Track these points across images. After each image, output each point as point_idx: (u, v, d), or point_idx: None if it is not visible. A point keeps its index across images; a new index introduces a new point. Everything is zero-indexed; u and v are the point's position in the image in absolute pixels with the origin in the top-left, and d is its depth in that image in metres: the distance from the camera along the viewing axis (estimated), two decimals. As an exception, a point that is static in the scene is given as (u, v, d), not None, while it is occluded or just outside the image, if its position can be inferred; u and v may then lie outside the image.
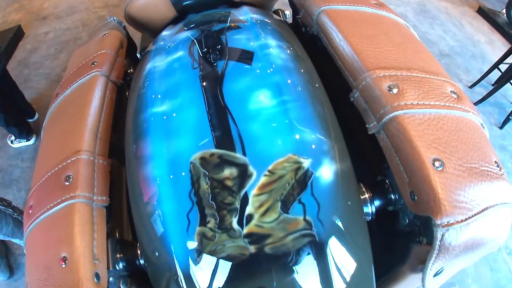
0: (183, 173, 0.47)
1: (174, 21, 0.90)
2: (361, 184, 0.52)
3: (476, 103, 2.32)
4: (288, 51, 0.61)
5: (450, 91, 0.48)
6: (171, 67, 0.60)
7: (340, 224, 0.46)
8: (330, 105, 0.57)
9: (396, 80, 0.47)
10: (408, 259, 0.47)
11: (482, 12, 3.36)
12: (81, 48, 0.81)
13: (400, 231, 0.51)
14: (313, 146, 0.49)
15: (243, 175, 0.46)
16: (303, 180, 0.46)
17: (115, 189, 0.56)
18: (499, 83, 2.17)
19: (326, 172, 0.47)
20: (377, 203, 0.51)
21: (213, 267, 0.43)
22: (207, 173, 0.46)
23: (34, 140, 2.06)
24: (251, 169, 0.46)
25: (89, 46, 0.77)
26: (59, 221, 0.45)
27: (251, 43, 0.61)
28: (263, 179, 0.45)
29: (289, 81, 0.54)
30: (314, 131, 0.50)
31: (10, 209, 1.41)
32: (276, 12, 1.11)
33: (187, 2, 0.85)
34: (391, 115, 0.44)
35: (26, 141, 2.03)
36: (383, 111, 0.45)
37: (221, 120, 0.50)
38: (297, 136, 0.49)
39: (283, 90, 0.53)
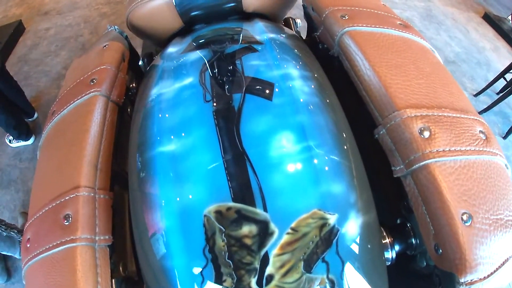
0: (196, 227, 0.43)
1: (180, 32, 0.85)
2: (382, 228, 0.50)
3: (480, 112, 2.30)
4: (312, 83, 0.55)
5: (479, 131, 0.46)
6: (180, 96, 0.54)
7: (363, 278, 0.43)
8: (356, 146, 0.52)
9: (427, 121, 0.44)
10: None
11: (488, 18, 3.34)
12: (79, 59, 0.76)
13: (415, 270, 0.49)
14: (340, 199, 0.45)
15: (264, 233, 0.41)
16: (328, 238, 0.42)
17: (117, 219, 0.53)
18: (504, 93, 2.15)
19: (352, 227, 0.44)
20: (397, 247, 0.49)
21: None
22: (224, 229, 0.42)
23: (33, 140, 2.03)
24: (272, 226, 0.41)
25: (88, 58, 0.72)
26: (60, 265, 0.42)
27: (270, 72, 0.55)
28: (285, 238, 0.41)
29: (314, 122, 0.49)
30: (341, 182, 0.46)
31: (2, 227, 1.39)
32: (287, 20, 1.07)
33: (195, 13, 0.79)
34: (421, 163, 0.42)
35: (25, 141, 2.00)
36: (413, 158, 0.43)
37: (239, 169, 0.44)
38: (323, 189, 0.44)
39: (307, 133, 0.47)
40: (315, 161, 0.45)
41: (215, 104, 0.51)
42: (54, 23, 2.98)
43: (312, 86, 0.54)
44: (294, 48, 0.64)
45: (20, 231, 1.50)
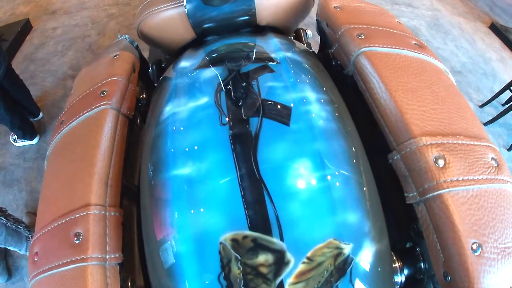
0: (212, 254, 0.43)
1: (193, 43, 0.85)
2: (393, 253, 0.50)
3: (485, 124, 2.29)
4: (329, 107, 0.55)
5: (491, 158, 0.47)
6: (196, 117, 0.53)
7: None
8: (371, 173, 0.52)
9: (442, 150, 0.45)
10: None
11: (495, 29, 3.33)
12: (88, 67, 0.75)
13: None
14: (355, 228, 0.45)
15: (280, 262, 0.41)
16: (343, 267, 0.43)
17: (125, 234, 0.52)
18: (510, 105, 2.14)
19: (366, 256, 0.44)
20: (406, 271, 0.50)
21: None
22: (239, 257, 0.42)
23: (37, 140, 2.03)
24: (288, 256, 0.42)
25: (98, 68, 0.71)
26: (70, 284, 0.42)
27: (287, 94, 0.54)
28: (301, 267, 0.41)
29: (331, 150, 0.49)
30: (357, 211, 0.46)
31: (3, 219, 1.39)
32: (297, 31, 1.07)
33: (208, 25, 0.79)
34: (435, 193, 0.42)
35: (29, 140, 2.00)
36: (428, 186, 0.43)
37: (256, 197, 0.44)
38: (339, 218, 0.44)
39: (325, 162, 0.47)
40: (332, 190, 0.45)
41: (231, 128, 0.50)
42: (62, 22, 2.99)
43: (329, 111, 0.54)
44: (309, 67, 0.63)
45: (27, 227, 1.51)
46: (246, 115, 0.51)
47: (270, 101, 0.52)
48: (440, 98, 0.52)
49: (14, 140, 2.02)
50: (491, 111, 2.39)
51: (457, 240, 0.40)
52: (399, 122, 0.48)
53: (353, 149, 0.52)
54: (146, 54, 1.09)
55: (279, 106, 0.52)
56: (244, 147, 0.47)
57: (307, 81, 0.58)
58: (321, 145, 0.48)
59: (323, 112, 0.53)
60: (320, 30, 0.81)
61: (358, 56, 0.58)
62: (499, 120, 2.26)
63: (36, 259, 0.47)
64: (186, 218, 0.45)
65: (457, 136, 0.47)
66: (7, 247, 1.47)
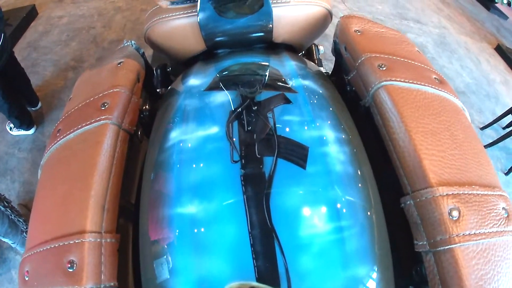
0: None
1: (203, 55, 0.82)
2: None
3: (486, 146, 2.29)
4: (346, 148, 0.52)
5: (502, 208, 0.46)
6: (204, 149, 0.50)
7: None
8: (384, 220, 0.51)
9: (458, 201, 0.44)
10: None
11: (500, 50, 3.35)
12: (91, 72, 0.72)
13: None
14: (365, 282, 0.44)
15: None
16: None
17: (120, 258, 0.50)
18: (510, 131, 2.15)
19: None
20: None
21: None
22: None
23: (34, 130, 2.01)
24: None
25: (101, 75, 0.67)
26: None
27: (305, 131, 0.51)
28: None
29: (347, 199, 0.47)
30: (367, 265, 0.45)
31: (9, 210, 1.38)
32: (309, 47, 1.05)
33: (220, 39, 0.76)
34: (447, 247, 0.42)
35: (26, 130, 1.98)
36: (440, 239, 0.42)
37: (266, 247, 0.42)
38: (350, 273, 0.43)
39: (340, 212, 0.45)
40: (346, 243, 0.44)
41: (243, 166, 0.47)
42: (68, 11, 2.96)
43: (347, 153, 0.52)
44: (327, 99, 0.61)
45: (26, 221, 1.49)
46: (260, 153, 0.48)
47: (286, 138, 0.50)
48: (458, 142, 0.51)
49: (10, 129, 1.99)
50: (491, 134, 2.39)
51: None
52: (417, 168, 0.47)
53: (370, 196, 0.50)
54: (150, 52, 1.04)
55: (295, 146, 0.49)
56: (256, 190, 0.45)
57: (325, 116, 0.56)
58: (337, 194, 0.46)
59: (341, 155, 0.51)
60: (336, 52, 0.77)
61: (378, 89, 0.56)
62: (498, 143, 2.26)
63: (26, 278, 0.45)
64: (189, 262, 0.43)
65: (473, 186, 0.46)
66: (3, 239, 1.45)
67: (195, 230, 0.45)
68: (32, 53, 2.54)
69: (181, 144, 0.53)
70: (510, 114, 2.27)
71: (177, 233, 0.45)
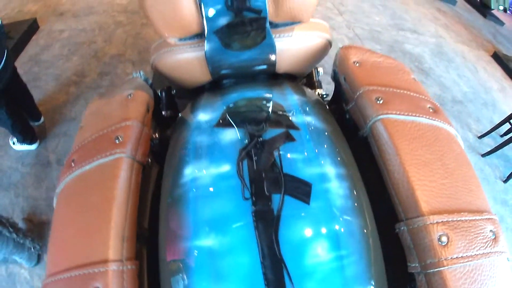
0: None
1: (208, 84, 0.86)
2: None
3: (483, 155, 2.32)
4: (346, 183, 0.57)
5: (490, 230, 0.51)
6: (218, 187, 0.55)
7: None
8: (380, 247, 0.55)
9: (447, 228, 0.49)
10: None
11: (497, 58, 3.38)
12: (100, 102, 0.75)
13: None
14: None
15: None
16: None
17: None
18: (509, 138, 2.17)
19: None
20: None
21: None
22: None
23: (37, 145, 2.03)
24: None
25: (111, 106, 0.70)
26: None
27: (308, 168, 0.55)
28: None
29: (346, 230, 0.52)
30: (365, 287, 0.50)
31: (14, 234, 1.41)
32: None
33: (226, 72, 0.80)
34: (436, 269, 0.47)
35: (29, 145, 2.00)
36: (430, 262, 0.48)
37: (276, 276, 0.47)
38: None
39: (340, 242, 0.50)
40: (345, 269, 0.49)
41: (254, 203, 0.52)
42: (69, 25, 2.99)
43: (347, 187, 0.56)
44: (328, 134, 0.65)
45: (32, 237, 1.53)
46: (269, 190, 0.53)
47: (291, 176, 0.54)
48: (449, 171, 0.56)
49: (14, 143, 2.01)
50: (489, 142, 2.41)
51: None
52: (410, 198, 0.52)
53: (367, 225, 0.55)
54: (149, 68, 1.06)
55: (300, 183, 0.53)
56: (266, 225, 0.50)
57: (326, 153, 0.59)
58: (338, 226, 0.51)
59: (341, 190, 0.55)
60: (335, 80, 0.81)
61: (375, 122, 0.61)
62: (497, 151, 2.28)
63: None
64: None
65: (462, 213, 0.51)
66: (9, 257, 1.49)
67: (213, 260, 0.49)
68: (33, 67, 2.57)
69: (196, 181, 0.57)
70: (508, 122, 2.30)
71: (195, 263, 0.50)
